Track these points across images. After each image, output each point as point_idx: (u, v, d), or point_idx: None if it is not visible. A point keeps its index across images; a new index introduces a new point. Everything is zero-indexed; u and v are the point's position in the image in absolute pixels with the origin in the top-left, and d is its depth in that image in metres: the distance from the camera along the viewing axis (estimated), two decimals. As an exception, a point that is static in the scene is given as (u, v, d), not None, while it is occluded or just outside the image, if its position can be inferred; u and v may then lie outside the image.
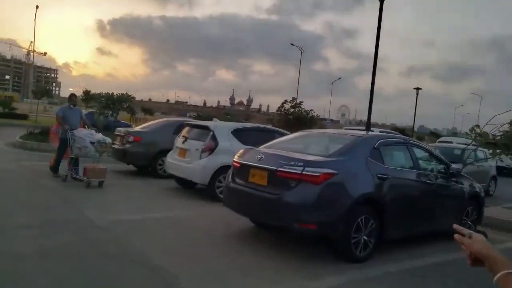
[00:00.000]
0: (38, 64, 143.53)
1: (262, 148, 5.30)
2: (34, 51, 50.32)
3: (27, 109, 31.59)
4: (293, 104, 22.12)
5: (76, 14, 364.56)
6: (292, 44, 45.99)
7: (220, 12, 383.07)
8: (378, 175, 4.67)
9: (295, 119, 20.81)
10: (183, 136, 8.02)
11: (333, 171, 4.32)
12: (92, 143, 7.71)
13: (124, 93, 16.86)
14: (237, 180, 5.02)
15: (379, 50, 10.66)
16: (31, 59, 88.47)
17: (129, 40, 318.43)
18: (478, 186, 6.60)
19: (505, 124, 7.52)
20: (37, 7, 38.71)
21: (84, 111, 12.79)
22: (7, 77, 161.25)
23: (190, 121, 9.92)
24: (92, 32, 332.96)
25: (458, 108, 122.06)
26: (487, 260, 1.10)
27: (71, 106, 8.40)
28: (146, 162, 9.30)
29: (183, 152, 7.74)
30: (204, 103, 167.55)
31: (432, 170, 5.72)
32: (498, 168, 13.28)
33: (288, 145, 5.58)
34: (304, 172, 4.26)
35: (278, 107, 23.07)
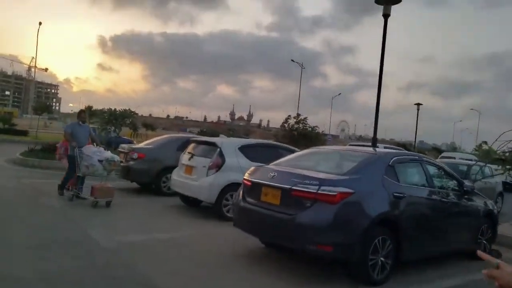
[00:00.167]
0: (39, 79, 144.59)
1: (274, 165, 5.16)
2: (35, 67, 50.71)
3: (27, 125, 31.54)
4: (297, 119, 22.09)
5: (78, 30, 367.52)
6: (292, 61, 46.31)
7: (221, 29, 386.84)
8: (394, 194, 4.52)
9: (300, 135, 20.74)
10: (189, 153, 7.79)
11: (349, 190, 4.17)
12: (100, 161, 7.47)
13: (127, 109, 16.83)
14: (248, 199, 4.85)
15: (379, 65, 10.54)
16: (32, 75, 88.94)
17: (130, 56, 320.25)
18: (491, 203, 6.46)
19: None
20: (40, 23, 39.01)
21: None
22: (7, 92, 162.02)
23: (196, 137, 9.78)
24: (94, 48, 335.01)
25: (457, 123, 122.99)
26: None
27: (80, 122, 8.18)
28: (150, 179, 9.08)
29: (190, 169, 7.54)
30: (205, 118, 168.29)
31: (446, 188, 5.58)
32: (502, 183, 13.12)
33: (299, 162, 5.43)
34: (319, 192, 4.11)
35: (282, 123, 23.07)
